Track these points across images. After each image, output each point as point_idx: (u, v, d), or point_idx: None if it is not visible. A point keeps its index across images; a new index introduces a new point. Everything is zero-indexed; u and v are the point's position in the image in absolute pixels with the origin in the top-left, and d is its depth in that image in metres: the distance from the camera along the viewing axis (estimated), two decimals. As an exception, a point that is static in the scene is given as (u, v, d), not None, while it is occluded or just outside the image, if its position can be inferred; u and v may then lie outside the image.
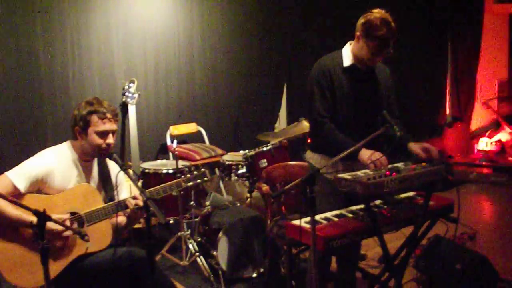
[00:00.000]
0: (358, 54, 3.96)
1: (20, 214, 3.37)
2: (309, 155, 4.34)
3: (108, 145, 3.71)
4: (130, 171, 3.55)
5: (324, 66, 4.04)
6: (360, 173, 3.55)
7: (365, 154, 3.79)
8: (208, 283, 5.10)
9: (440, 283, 4.72)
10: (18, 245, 3.45)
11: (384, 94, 4.17)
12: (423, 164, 3.78)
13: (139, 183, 4.14)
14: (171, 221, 5.80)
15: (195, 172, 4.11)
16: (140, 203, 3.61)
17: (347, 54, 4.05)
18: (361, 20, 3.88)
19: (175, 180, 3.97)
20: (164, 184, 3.90)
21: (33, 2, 5.95)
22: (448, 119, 10.34)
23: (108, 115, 3.71)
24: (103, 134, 3.69)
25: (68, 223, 3.48)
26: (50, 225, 3.31)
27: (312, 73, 4.10)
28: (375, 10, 3.86)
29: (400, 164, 3.75)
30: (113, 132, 3.76)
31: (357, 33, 3.90)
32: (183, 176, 4.05)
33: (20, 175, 3.50)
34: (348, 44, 4.09)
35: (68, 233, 3.49)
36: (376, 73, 4.14)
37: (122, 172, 3.61)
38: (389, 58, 3.97)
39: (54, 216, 3.12)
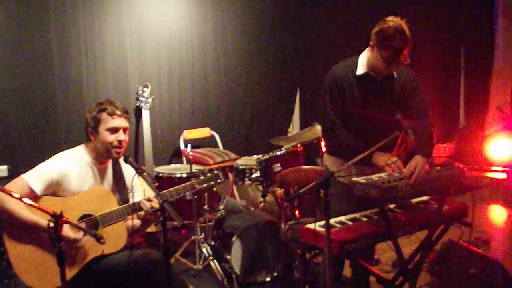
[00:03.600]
0: (373, 63, 3.90)
1: (36, 218, 3.40)
2: (325, 157, 4.34)
3: (120, 142, 3.74)
4: (146, 174, 3.56)
5: (336, 74, 4.01)
6: (374, 177, 3.55)
7: (381, 157, 3.79)
8: (222, 287, 5.11)
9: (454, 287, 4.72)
10: (34, 247, 3.47)
11: (400, 101, 4.09)
12: (437, 168, 3.78)
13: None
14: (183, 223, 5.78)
15: (209, 174, 4.12)
16: (156, 205, 3.62)
17: (362, 62, 3.99)
18: (375, 29, 3.81)
19: (188, 182, 3.98)
20: (178, 186, 3.90)
21: (47, 7, 5.99)
22: (461, 124, 10.30)
23: (118, 112, 3.74)
24: (114, 131, 3.72)
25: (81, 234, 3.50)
26: (65, 232, 3.34)
27: (325, 81, 4.08)
28: (389, 18, 3.78)
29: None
30: (124, 129, 3.78)
31: (371, 42, 3.85)
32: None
33: (36, 178, 3.53)
34: (366, 50, 4.02)
35: (81, 244, 3.51)
36: (395, 80, 4.06)
37: (136, 175, 3.63)
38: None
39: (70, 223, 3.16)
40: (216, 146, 7.10)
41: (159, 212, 3.30)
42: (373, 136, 3.79)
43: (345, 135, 3.97)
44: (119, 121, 3.75)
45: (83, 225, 3.53)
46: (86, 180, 3.74)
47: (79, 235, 3.46)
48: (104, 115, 3.72)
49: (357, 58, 4.04)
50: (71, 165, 3.68)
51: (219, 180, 4.12)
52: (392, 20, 3.76)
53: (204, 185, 4.04)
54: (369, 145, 3.58)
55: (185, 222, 5.60)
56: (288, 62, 8.11)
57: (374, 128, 4.01)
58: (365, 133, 3.99)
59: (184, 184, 3.94)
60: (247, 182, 6.17)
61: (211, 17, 7.30)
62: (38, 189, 3.50)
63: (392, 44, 3.70)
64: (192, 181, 4.00)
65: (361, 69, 3.99)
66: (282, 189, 4.89)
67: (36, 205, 2.97)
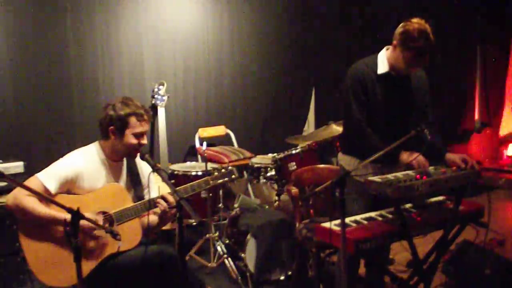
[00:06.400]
0: (393, 63, 3.92)
1: (54, 212, 3.41)
2: (340, 156, 4.34)
3: (141, 145, 3.75)
4: (162, 171, 3.57)
5: (358, 72, 4.00)
6: (390, 176, 3.55)
7: (403, 155, 3.79)
8: (236, 285, 5.11)
9: (469, 288, 4.71)
10: (49, 245, 3.48)
11: (417, 101, 4.13)
12: (454, 168, 3.78)
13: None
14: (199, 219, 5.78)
15: (223, 171, 4.11)
16: (171, 199, 3.64)
17: (382, 61, 3.99)
18: (399, 29, 3.82)
19: (203, 179, 3.98)
20: (193, 183, 3.90)
21: (64, 6, 6.04)
22: (477, 124, 10.26)
23: (145, 117, 3.75)
24: (139, 136, 3.73)
25: (100, 222, 3.51)
26: (83, 222, 3.36)
27: (347, 79, 4.06)
28: (414, 20, 3.78)
29: (430, 168, 3.75)
30: (146, 133, 3.80)
31: (394, 42, 3.85)
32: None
33: (50, 177, 3.53)
34: (384, 49, 4.03)
35: (100, 232, 3.52)
36: (411, 79, 4.09)
37: (153, 172, 3.64)
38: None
39: (87, 214, 3.17)
40: (231, 144, 7.11)
41: (175, 210, 3.29)
42: (391, 137, 3.77)
43: (372, 133, 3.96)
44: (146, 127, 3.78)
45: (100, 221, 3.54)
46: (100, 177, 3.74)
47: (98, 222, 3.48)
48: (133, 120, 3.70)
49: (376, 57, 4.04)
50: (85, 163, 3.68)
51: (233, 176, 4.11)
52: (417, 22, 3.76)
53: (219, 181, 4.03)
54: (391, 144, 3.57)
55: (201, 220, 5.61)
56: (304, 61, 8.12)
57: (392, 129, 4.00)
58: (383, 134, 3.97)
59: (198, 180, 3.94)
60: (262, 180, 6.17)
61: (227, 15, 7.32)
62: (52, 188, 3.50)
63: (416, 45, 3.72)
64: (207, 177, 4.00)
65: (382, 68, 3.99)
66: (297, 188, 4.88)
67: (53, 200, 2.99)
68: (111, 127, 3.71)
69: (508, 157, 9.93)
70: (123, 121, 3.69)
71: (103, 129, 3.76)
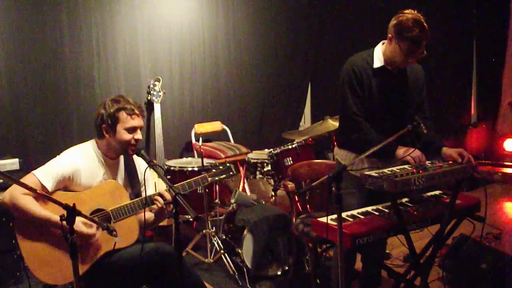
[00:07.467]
0: (390, 56, 3.91)
1: (49, 214, 3.40)
2: (336, 151, 4.33)
3: (136, 140, 3.73)
4: (158, 167, 3.56)
5: (355, 65, 3.99)
6: (386, 170, 3.55)
7: (400, 151, 3.80)
8: (233, 281, 5.11)
9: (465, 282, 4.70)
10: (46, 242, 3.47)
11: (413, 95, 4.12)
12: (450, 162, 3.78)
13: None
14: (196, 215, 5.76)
15: (221, 167, 4.10)
16: (168, 196, 3.63)
17: (378, 55, 3.98)
18: (393, 22, 3.81)
19: (201, 175, 3.97)
20: (190, 180, 3.89)
21: (60, 2, 6.01)
22: (473, 119, 10.26)
23: (136, 111, 3.72)
24: (132, 130, 3.70)
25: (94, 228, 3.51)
26: (78, 227, 3.35)
27: (343, 73, 4.06)
28: (407, 11, 3.78)
29: (427, 162, 3.75)
30: (140, 127, 3.77)
31: (389, 35, 3.84)
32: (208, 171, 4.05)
33: (47, 174, 3.51)
34: (380, 44, 4.03)
35: (95, 239, 3.52)
36: (407, 73, 4.08)
37: (148, 168, 3.63)
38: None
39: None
40: (227, 140, 7.10)
41: (171, 206, 3.29)
42: (387, 131, 3.77)
43: (369, 127, 3.95)
44: (138, 121, 3.75)
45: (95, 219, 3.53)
46: (97, 175, 3.73)
47: (92, 230, 3.47)
48: (123, 114, 3.69)
49: (372, 51, 4.04)
50: (82, 161, 3.66)
51: (231, 173, 4.10)
52: (411, 13, 3.77)
53: (217, 178, 4.02)
54: (387, 138, 3.57)
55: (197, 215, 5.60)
56: (300, 56, 8.11)
57: (388, 124, 4.00)
58: (379, 128, 3.97)
59: (196, 177, 3.93)
60: (259, 176, 6.17)
61: (222, 11, 7.31)
62: (49, 186, 3.49)
63: (411, 35, 3.71)
64: (204, 174, 3.99)
65: (377, 62, 3.98)
66: (294, 183, 4.88)
67: (50, 196, 2.97)
68: (103, 125, 3.71)
69: (504, 151, 9.94)
70: (113, 117, 3.68)
71: (97, 128, 3.76)
